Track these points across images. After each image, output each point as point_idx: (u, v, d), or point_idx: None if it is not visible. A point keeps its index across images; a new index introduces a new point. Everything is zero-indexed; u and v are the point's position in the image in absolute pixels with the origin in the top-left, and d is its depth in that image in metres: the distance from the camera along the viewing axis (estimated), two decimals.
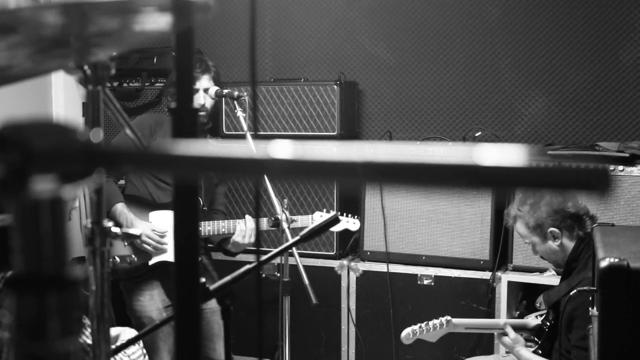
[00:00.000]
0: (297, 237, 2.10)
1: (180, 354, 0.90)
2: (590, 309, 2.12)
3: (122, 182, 3.54)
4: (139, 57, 4.44)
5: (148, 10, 0.79)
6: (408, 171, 0.54)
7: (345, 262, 3.92)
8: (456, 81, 4.21)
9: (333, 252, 3.96)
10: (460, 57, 4.19)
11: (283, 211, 2.97)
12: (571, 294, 2.49)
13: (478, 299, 3.65)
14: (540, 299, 3.40)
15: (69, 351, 0.60)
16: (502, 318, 3.49)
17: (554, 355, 2.79)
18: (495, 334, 3.04)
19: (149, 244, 3.21)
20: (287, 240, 2.84)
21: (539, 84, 4.06)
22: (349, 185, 1.93)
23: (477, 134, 4.08)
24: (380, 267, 3.84)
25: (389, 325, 3.79)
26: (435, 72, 4.25)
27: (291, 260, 2.98)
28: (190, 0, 0.80)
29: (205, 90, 3.29)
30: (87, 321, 1.42)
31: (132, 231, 1.57)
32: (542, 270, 3.55)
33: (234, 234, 3.28)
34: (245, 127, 3.04)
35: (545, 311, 2.99)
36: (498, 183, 0.55)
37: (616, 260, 1.73)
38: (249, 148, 0.58)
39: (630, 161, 3.41)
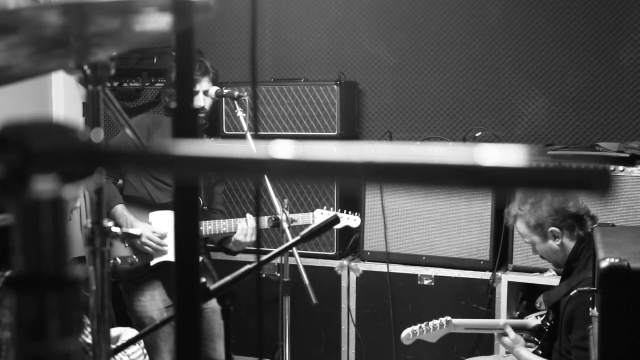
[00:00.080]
0: (297, 237, 2.10)
1: (180, 354, 0.90)
2: (590, 309, 2.12)
3: (120, 182, 3.55)
4: (139, 57, 4.44)
5: (148, 11, 0.79)
6: (408, 171, 0.54)
7: (345, 262, 3.92)
8: (456, 81, 4.21)
9: (333, 252, 3.96)
10: (460, 57, 4.19)
11: (283, 211, 2.98)
12: (571, 294, 2.49)
13: (478, 299, 3.65)
14: (540, 299, 3.40)
15: (69, 351, 0.60)
16: (502, 318, 3.49)
17: (554, 356, 2.79)
18: (495, 334, 3.04)
19: (149, 246, 3.21)
20: (287, 240, 2.84)
21: (539, 84, 4.06)
22: (349, 185, 1.93)
23: (477, 134, 4.08)
24: (380, 267, 3.84)
25: (389, 325, 3.79)
26: (435, 72, 4.25)
27: (291, 260, 2.98)
28: (191, 0, 0.80)
29: (205, 92, 3.31)
30: (87, 321, 1.42)
31: (132, 231, 1.57)
32: (542, 271, 3.55)
33: (234, 233, 3.28)
34: (245, 127, 3.05)
35: (545, 311, 2.98)
36: (498, 183, 0.55)
37: (616, 260, 1.73)
38: (249, 148, 0.58)
39: (630, 161, 3.41)
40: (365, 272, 3.87)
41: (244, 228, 3.28)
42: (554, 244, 2.85)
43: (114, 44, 1.01)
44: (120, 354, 2.27)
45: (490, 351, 3.63)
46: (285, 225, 2.95)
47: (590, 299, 2.15)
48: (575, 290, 2.45)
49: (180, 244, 0.89)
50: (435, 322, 2.94)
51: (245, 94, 3.30)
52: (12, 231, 0.59)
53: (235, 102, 3.13)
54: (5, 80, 1.10)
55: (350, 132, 4.18)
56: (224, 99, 3.58)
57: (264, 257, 2.06)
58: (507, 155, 0.52)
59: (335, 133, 3.96)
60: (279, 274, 3.43)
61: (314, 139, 3.94)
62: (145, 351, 2.43)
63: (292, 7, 4.47)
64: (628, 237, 2.18)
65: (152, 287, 3.30)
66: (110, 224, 1.32)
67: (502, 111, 4.14)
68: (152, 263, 3.26)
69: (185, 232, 0.89)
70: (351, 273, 3.89)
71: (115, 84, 4.56)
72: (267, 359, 3.86)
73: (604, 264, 1.74)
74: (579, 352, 2.62)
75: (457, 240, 3.72)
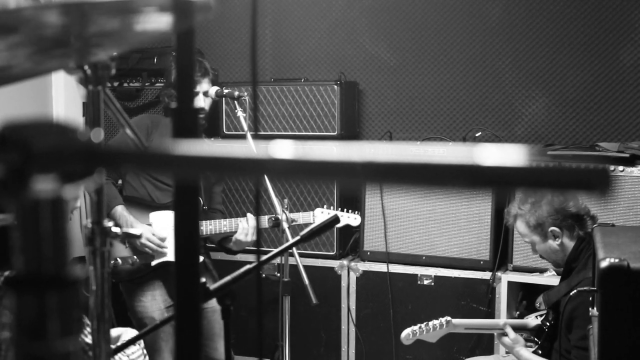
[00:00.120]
0: (297, 237, 2.10)
1: (180, 354, 0.90)
2: (590, 309, 2.12)
3: (119, 183, 3.55)
4: (139, 57, 4.44)
5: (148, 10, 0.79)
6: (408, 171, 0.54)
7: (345, 262, 3.92)
8: (456, 81, 4.21)
9: (333, 252, 3.96)
10: (460, 57, 4.19)
11: (283, 211, 2.98)
12: (571, 294, 2.49)
13: (478, 299, 3.65)
14: (540, 299, 3.40)
15: (69, 351, 0.60)
16: (502, 318, 3.49)
17: (554, 356, 2.79)
18: (495, 334, 3.04)
19: (149, 247, 3.21)
20: (287, 240, 2.84)
21: (539, 84, 4.06)
22: (349, 185, 1.93)
23: (477, 134, 4.08)
24: (380, 267, 3.84)
25: (389, 325, 3.79)
26: (435, 72, 4.25)
27: (291, 260, 2.98)
28: (191, 0, 0.80)
29: (205, 94, 3.31)
30: (87, 321, 1.42)
31: (131, 231, 1.57)
32: (542, 271, 3.55)
33: (235, 232, 3.28)
34: (245, 127, 3.05)
35: (545, 311, 2.98)
36: (498, 183, 0.55)
37: (616, 260, 1.73)
38: (249, 148, 0.58)
39: (630, 161, 3.41)
40: (365, 272, 3.87)
41: (245, 227, 3.28)
42: (553, 243, 2.85)
43: (114, 44, 1.01)
44: (119, 354, 2.27)
45: (490, 351, 3.63)
46: (285, 225, 2.95)
47: (590, 299, 2.15)
48: (575, 290, 2.45)
49: (180, 244, 0.89)
50: (435, 322, 2.94)
51: (245, 94, 3.30)
52: (12, 231, 0.59)
53: (236, 102, 3.14)
54: (5, 80, 1.10)
55: (350, 132, 4.18)
56: (224, 99, 3.58)
57: (264, 257, 2.06)
58: (507, 155, 0.52)
59: (335, 133, 3.96)
60: (279, 274, 3.43)
61: (314, 139, 3.94)
62: (145, 351, 2.43)
63: (292, 7, 4.47)
64: (628, 237, 2.18)
65: (152, 288, 3.30)
66: (110, 224, 1.32)
67: (502, 111, 4.14)
68: (153, 263, 3.26)
69: (185, 232, 0.89)
70: (351, 273, 3.89)
71: (116, 84, 4.56)
72: (267, 359, 3.86)
73: (604, 263, 1.74)
74: (579, 352, 2.62)
75: (457, 240, 3.72)
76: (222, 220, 3.32)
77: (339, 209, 3.57)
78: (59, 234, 0.59)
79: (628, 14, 3.87)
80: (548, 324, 2.85)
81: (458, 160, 0.52)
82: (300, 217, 3.34)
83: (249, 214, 3.34)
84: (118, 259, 3.21)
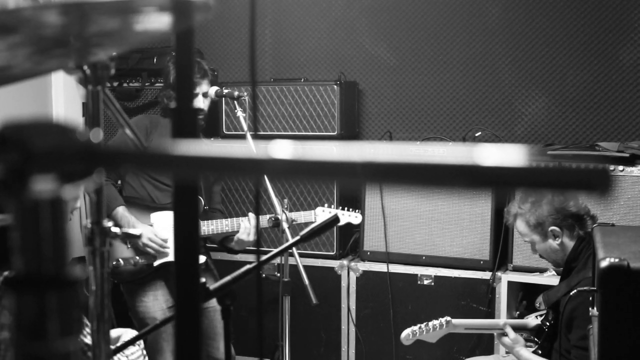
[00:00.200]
0: (297, 237, 2.10)
1: (180, 354, 0.90)
2: (590, 309, 2.12)
3: (119, 184, 3.55)
4: (139, 57, 4.44)
5: (148, 10, 0.78)
6: (408, 171, 0.54)
7: (345, 262, 3.92)
8: (456, 81, 4.21)
9: (333, 252, 3.96)
10: (460, 57, 4.19)
11: (283, 211, 2.98)
12: (571, 294, 2.49)
13: (478, 299, 3.65)
14: (540, 299, 3.40)
15: (69, 351, 0.60)
16: (502, 318, 3.49)
17: (554, 356, 2.79)
18: (495, 334, 3.03)
19: (150, 247, 3.21)
20: (287, 240, 2.85)
21: (539, 84, 4.06)
22: (349, 185, 1.93)
23: (477, 134, 4.08)
24: (380, 267, 3.84)
25: (389, 325, 3.79)
26: (435, 72, 4.25)
27: (291, 260, 2.98)
28: (190, 0, 0.80)
29: (204, 95, 3.32)
30: (86, 321, 1.42)
31: (131, 231, 1.57)
32: (542, 271, 3.55)
33: (236, 232, 3.28)
34: (245, 127, 3.05)
35: (545, 311, 2.98)
36: (498, 183, 0.55)
37: (616, 260, 1.73)
38: (249, 148, 0.58)
39: (630, 161, 3.41)
40: (365, 272, 3.87)
41: (247, 227, 3.28)
42: (553, 243, 2.85)
43: (114, 44, 1.01)
44: (119, 355, 2.27)
45: (490, 351, 3.63)
46: (285, 225, 2.96)
47: (590, 298, 2.15)
48: (575, 290, 2.45)
49: (180, 244, 0.89)
50: (435, 322, 2.94)
51: (245, 94, 3.30)
52: (12, 231, 0.59)
53: (235, 102, 3.14)
54: (5, 80, 1.10)
55: (350, 132, 4.18)
56: (223, 99, 3.58)
57: (264, 257, 2.06)
58: (507, 155, 0.52)
59: (335, 133, 3.96)
60: (279, 274, 3.43)
61: (314, 139, 3.94)
62: (144, 352, 2.43)
63: (292, 7, 4.47)
64: (628, 237, 2.18)
65: (154, 288, 3.30)
66: (110, 224, 1.32)
67: (502, 111, 4.14)
68: (156, 264, 3.25)
69: (185, 232, 0.89)
70: (351, 273, 3.89)
71: (115, 84, 4.56)
72: (267, 359, 3.86)
73: (604, 263, 1.74)
74: (579, 352, 2.62)
75: (457, 240, 3.72)
76: (224, 220, 3.32)
77: (340, 207, 3.58)
78: (58, 234, 0.59)
79: (628, 14, 3.87)
80: (548, 323, 2.85)
81: (458, 160, 0.52)
82: (302, 216, 3.35)
83: (250, 214, 3.34)
84: (120, 259, 3.21)
